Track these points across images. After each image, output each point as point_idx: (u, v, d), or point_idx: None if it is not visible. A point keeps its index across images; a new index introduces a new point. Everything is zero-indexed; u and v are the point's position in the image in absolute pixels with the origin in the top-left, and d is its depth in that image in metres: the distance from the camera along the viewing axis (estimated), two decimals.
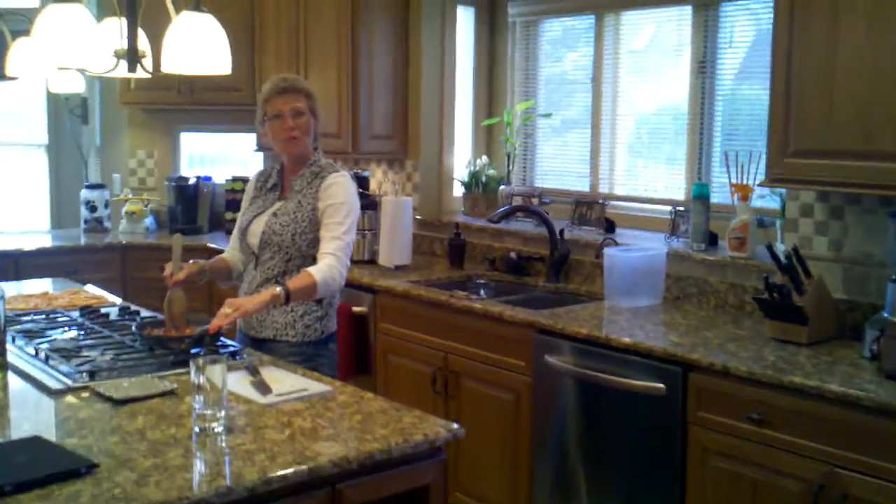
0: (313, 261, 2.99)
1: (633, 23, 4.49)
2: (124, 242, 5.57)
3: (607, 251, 3.74)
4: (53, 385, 2.51)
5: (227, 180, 5.88)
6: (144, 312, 3.42)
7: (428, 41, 4.95)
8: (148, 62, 2.51)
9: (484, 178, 4.95)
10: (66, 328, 3.12)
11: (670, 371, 3.04)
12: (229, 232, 5.75)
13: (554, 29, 4.88)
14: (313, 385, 2.58)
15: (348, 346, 4.18)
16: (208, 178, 5.97)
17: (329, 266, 2.90)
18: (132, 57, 2.45)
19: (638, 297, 3.68)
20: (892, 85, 2.78)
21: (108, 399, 2.40)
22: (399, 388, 4.05)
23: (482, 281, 4.40)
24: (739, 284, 3.60)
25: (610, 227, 4.29)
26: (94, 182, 6.10)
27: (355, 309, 4.27)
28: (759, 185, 3.27)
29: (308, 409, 2.39)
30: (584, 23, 4.69)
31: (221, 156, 6.38)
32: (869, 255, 3.20)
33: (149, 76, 2.55)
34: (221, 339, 2.87)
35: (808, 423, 2.70)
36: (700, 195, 3.76)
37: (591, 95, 4.64)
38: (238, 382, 2.54)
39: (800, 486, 2.71)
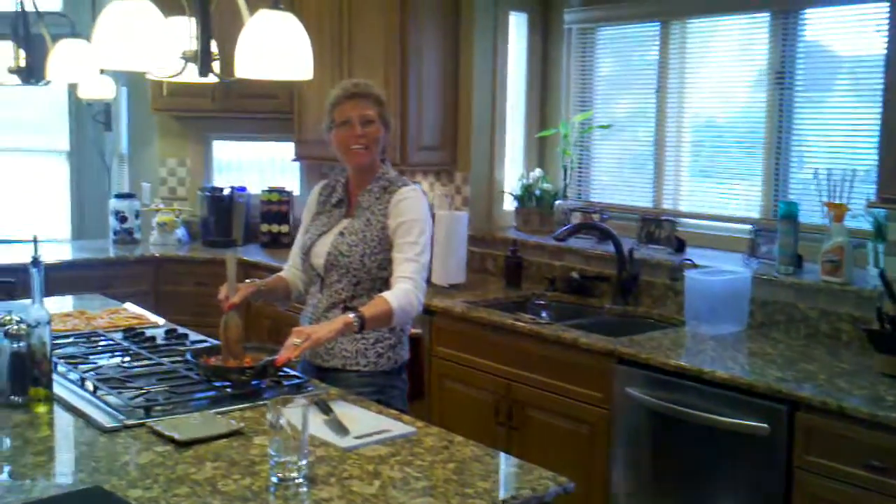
0: (383, 283, 2.74)
1: (703, 30, 4.22)
2: (157, 255, 5.32)
3: (689, 274, 3.47)
4: (106, 422, 2.24)
5: (262, 191, 5.63)
6: (193, 335, 3.15)
7: (479, 48, 4.69)
8: (217, 66, 2.25)
9: (538, 192, 4.69)
10: (112, 353, 2.87)
11: (774, 409, 2.76)
12: (265, 245, 5.56)
13: (613, 36, 4.62)
14: (394, 425, 2.31)
15: None
16: (243, 189, 5.71)
17: (405, 291, 2.64)
18: (204, 60, 2.19)
19: (721, 323, 3.41)
20: None
21: (170, 440, 2.14)
22: (456, 416, 3.77)
23: (542, 302, 4.13)
24: (833, 312, 3.32)
25: (680, 246, 4.02)
26: (123, 192, 5.84)
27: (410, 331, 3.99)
28: (871, 206, 2.99)
29: (393, 454, 2.12)
30: (648, 30, 4.42)
31: (256, 165, 6.12)
32: None
33: (216, 80, 2.29)
34: (284, 368, 2.60)
35: None
36: (788, 214, 3.48)
37: (656, 106, 4.37)
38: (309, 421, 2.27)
39: None
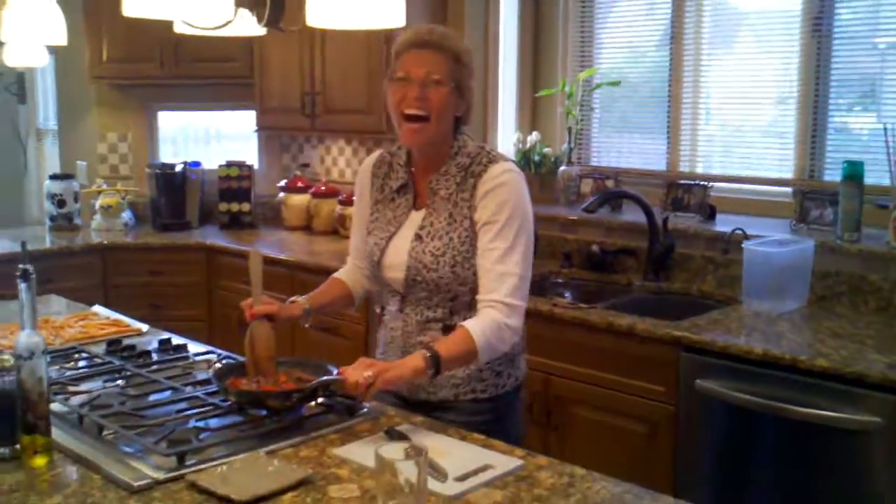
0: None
1: None
2: (104, 243, 4.70)
3: (748, 245, 3.08)
4: (132, 479, 1.73)
5: (220, 166, 5.05)
6: (193, 345, 2.63)
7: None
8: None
9: (536, 158, 4.25)
10: (103, 376, 2.33)
11: (888, 401, 2.41)
12: (224, 227, 4.99)
13: None
14: (496, 458, 1.86)
15: None
16: (196, 164, 5.13)
17: (496, 324, 2.07)
18: (274, 5, 1.67)
19: (783, 299, 3.04)
20: None
21: (225, 499, 1.65)
22: None
23: (560, 280, 3.72)
24: None
25: (712, 213, 3.64)
26: (57, 172, 5.19)
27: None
28: None
29: (511, 498, 1.68)
30: None
31: (206, 137, 5.53)
32: None
33: (261, 32, 1.77)
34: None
35: None
36: (854, 174, 3.12)
37: (669, 60, 3.97)
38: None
39: None
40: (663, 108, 4.01)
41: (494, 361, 2.21)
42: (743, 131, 3.82)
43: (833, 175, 3.49)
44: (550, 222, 3.97)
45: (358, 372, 1.94)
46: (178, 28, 1.92)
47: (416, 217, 2.23)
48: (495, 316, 2.08)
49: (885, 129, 3.12)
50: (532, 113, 4.48)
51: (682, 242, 3.53)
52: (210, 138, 5.58)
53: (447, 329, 2.17)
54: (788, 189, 3.65)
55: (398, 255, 2.22)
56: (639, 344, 2.92)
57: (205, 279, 4.63)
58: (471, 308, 2.16)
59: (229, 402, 2.07)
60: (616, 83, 4.11)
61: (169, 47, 4.65)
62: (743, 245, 3.11)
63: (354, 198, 2.47)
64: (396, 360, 2.08)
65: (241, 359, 2.29)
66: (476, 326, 2.07)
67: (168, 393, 2.20)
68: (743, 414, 2.68)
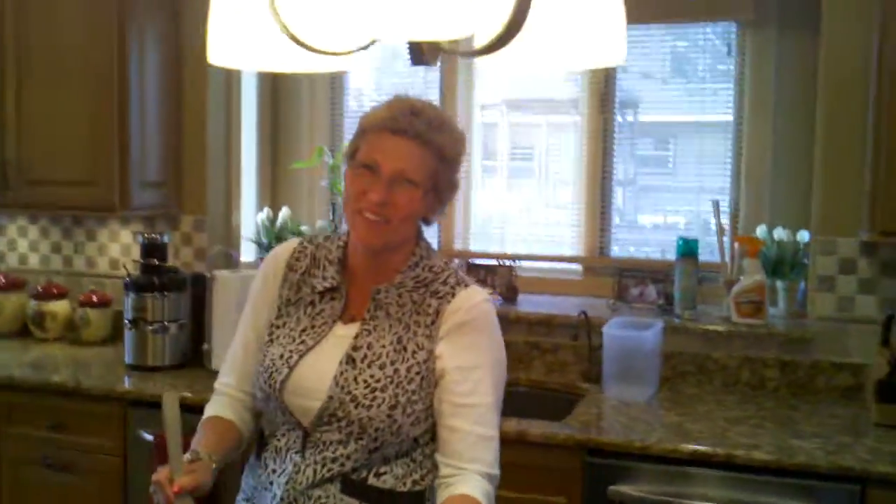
0: (412, 446, 1.66)
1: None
2: None
3: (608, 330, 2.85)
4: None
5: None
6: None
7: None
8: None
9: (291, 237, 3.68)
10: None
11: (838, 490, 2.29)
12: None
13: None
14: None
15: None
16: None
17: (488, 495, 1.59)
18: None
19: (644, 384, 2.86)
20: None
21: None
22: None
23: None
24: (758, 358, 2.96)
25: (512, 294, 3.39)
26: None
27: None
28: (868, 240, 2.66)
29: None
30: None
31: None
32: None
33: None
34: None
35: None
36: (688, 252, 3.06)
37: None
38: None
39: None
40: None
41: None
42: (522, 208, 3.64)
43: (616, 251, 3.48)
44: None
45: None
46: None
47: (345, 333, 1.68)
48: (489, 490, 1.59)
49: (716, 203, 3.11)
50: (272, 189, 3.91)
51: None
52: None
53: (349, 484, 1.62)
54: (576, 266, 3.55)
55: (314, 378, 1.64)
56: (536, 451, 2.52)
57: None
58: (387, 464, 1.63)
59: None
60: None
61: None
62: (603, 329, 2.87)
63: (252, 293, 1.84)
64: None
65: None
66: (478, 491, 1.57)
67: None
68: None
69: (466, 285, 1.69)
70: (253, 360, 1.76)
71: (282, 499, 1.64)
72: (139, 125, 3.27)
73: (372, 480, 1.62)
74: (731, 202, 3.31)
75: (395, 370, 1.62)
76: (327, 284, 1.72)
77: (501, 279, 3.38)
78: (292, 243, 1.82)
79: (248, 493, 1.75)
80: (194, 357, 3.18)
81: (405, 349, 1.64)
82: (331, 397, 1.61)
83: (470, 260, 3.52)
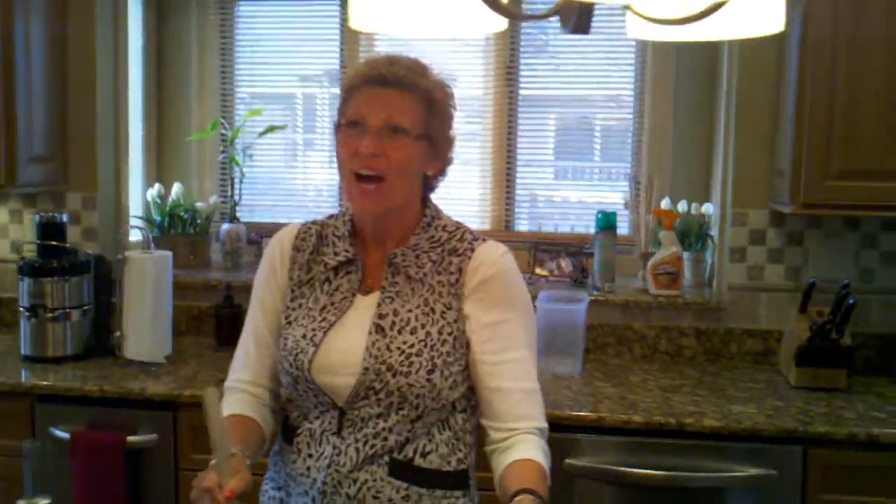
0: (451, 412, 1.63)
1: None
2: None
3: (542, 303, 2.88)
4: None
5: None
6: None
7: (100, 20, 3.29)
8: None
9: (185, 215, 3.50)
10: None
11: (781, 452, 2.42)
12: None
13: (265, 13, 3.65)
14: None
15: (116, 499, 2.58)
16: None
17: (545, 452, 1.57)
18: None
19: (574, 356, 2.91)
20: None
21: None
22: None
23: None
24: (675, 327, 3.08)
25: None
26: None
27: (131, 439, 2.62)
28: (794, 213, 2.78)
29: None
30: (318, 8, 3.59)
31: None
32: (833, 282, 2.95)
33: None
34: None
35: None
36: (608, 226, 3.12)
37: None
38: None
39: None
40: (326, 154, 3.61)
41: None
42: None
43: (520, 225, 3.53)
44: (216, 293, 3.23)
45: None
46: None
47: (367, 304, 1.64)
48: (543, 446, 1.59)
49: (633, 176, 3.19)
50: (158, 164, 3.68)
51: None
52: None
53: (396, 466, 1.59)
54: None
55: (343, 353, 1.60)
56: None
57: None
58: (428, 435, 1.61)
59: None
60: (280, 128, 3.56)
61: None
62: (537, 303, 2.90)
63: (258, 283, 1.77)
64: None
65: None
66: (538, 451, 1.56)
67: None
68: (631, 489, 2.48)
69: (483, 240, 1.68)
70: (269, 352, 1.70)
71: (324, 483, 1.58)
72: (25, 99, 2.99)
73: (418, 461, 1.60)
74: (632, 177, 3.39)
75: (427, 333, 1.59)
76: (341, 258, 1.67)
77: None
78: (294, 227, 1.77)
79: (279, 482, 1.69)
80: (98, 346, 2.97)
81: (433, 311, 1.61)
82: (366, 369, 1.56)
83: None
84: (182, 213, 3.49)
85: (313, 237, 1.72)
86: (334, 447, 1.59)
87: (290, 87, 3.67)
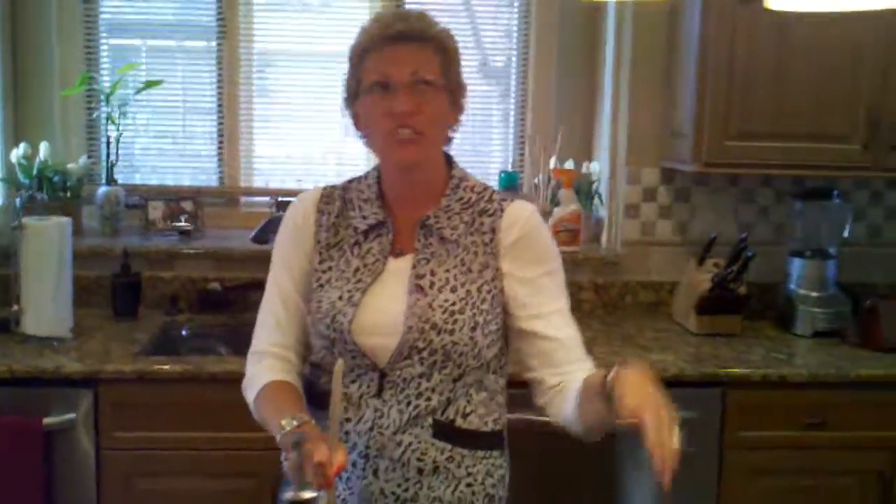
0: (486, 372, 1.65)
1: None
2: None
3: None
4: None
5: None
6: None
7: None
8: None
9: (55, 178, 3.24)
10: None
11: (700, 395, 2.61)
12: None
13: None
14: None
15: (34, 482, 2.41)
16: None
17: None
18: None
19: None
20: None
21: None
22: None
23: (200, 330, 2.99)
24: (575, 282, 3.20)
25: None
26: None
27: (47, 421, 2.44)
28: (697, 171, 2.94)
29: None
30: None
31: None
32: (718, 236, 3.17)
33: None
34: None
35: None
36: (511, 185, 3.19)
37: (216, 53, 3.42)
38: None
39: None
40: (210, 113, 3.44)
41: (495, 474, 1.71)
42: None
43: None
44: (115, 260, 3.04)
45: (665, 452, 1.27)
46: None
47: (401, 265, 1.64)
48: None
49: (531, 136, 3.26)
50: (17, 122, 3.37)
51: None
52: None
53: (440, 428, 1.61)
54: None
55: (383, 313, 1.60)
56: None
57: None
58: (470, 402, 1.63)
59: None
60: (156, 83, 3.36)
61: None
62: None
63: (281, 246, 1.74)
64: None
65: None
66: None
67: None
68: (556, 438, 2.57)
69: (511, 200, 1.71)
70: (298, 315, 1.68)
71: (367, 447, 1.58)
72: None
73: (459, 422, 1.61)
74: (530, 137, 3.46)
75: (468, 291, 1.60)
76: (371, 221, 1.66)
77: None
78: (316, 190, 1.75)
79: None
80: None
81: (470, 270, 1.62)
82: (410, 328, 1.56)
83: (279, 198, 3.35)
84: (51, 176, 3.23)
85: (337, 201, 1.70)
86: (375, 410, 1.59)
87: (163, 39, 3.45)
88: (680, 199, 3.22)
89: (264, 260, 2.98)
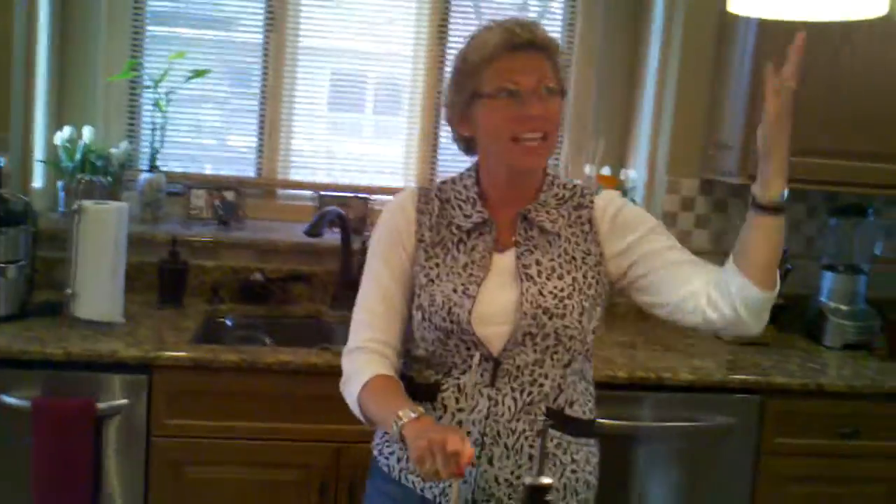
0: (585, 358, 1.75)
1: None
2: None
3: None
4: None
5: None
6: None
7: None
8: None
9: (99, 163, 3.25)
10: None
11: (741, 401, 2.67)
12: None
13: None
14: None
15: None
16: None
17: None
18: None
19: None
20: None
21: None
22: None
23: (243, 320, 3.01)
24: None
25: (362, 226, 3.35)
26: None
27: (100, 405, 2.45)
28: (743, 183, 2.99)
29: None
30: None
31: None
32: None
33: None
34: None
35: None
36: None
37: (262, 46, 3.45)
38: None
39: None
40: (254, 103, 3.47)
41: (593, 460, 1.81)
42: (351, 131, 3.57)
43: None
44: (158, 247, 3.07)
45: None
46: None
47: (505, 259, 1.72)
48: None
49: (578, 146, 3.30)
50: (59, 104, 3.38)
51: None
52: None
53: (551, 415, 1.69)
54: None
55: (498, 303, 1.67)
56: None
57: None
58: (574, 389, 1.73)
59: None
60: (202, 73, 3.38)
61: None
62: None
63: (379, 244, 1.79)
64: None
65: None
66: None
67: None
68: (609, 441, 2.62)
69: (596, 192, 1.80)
70: (397, 311, 1.73)
71: (482, 434, 1.64)
72: None
73: (568, 411, 1.69)
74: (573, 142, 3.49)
75: (574, 278, 1.68)
76: (476, 220, 1.72)
77: (355, 211, 3.32)
78: (412, 191, 1.81)
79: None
80: (33, 304, 2.73)
81: (574, 259, 1.70)
82: (524, 313, 1.63)
83: (322, 192, 3.39)
84: (94, 160, 3.24)
85: (435, 201, 1.76)
86: (489, 398, 1.65)
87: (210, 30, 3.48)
88: (718, 209, 3.27)
89: (309, 253, 3.13)
